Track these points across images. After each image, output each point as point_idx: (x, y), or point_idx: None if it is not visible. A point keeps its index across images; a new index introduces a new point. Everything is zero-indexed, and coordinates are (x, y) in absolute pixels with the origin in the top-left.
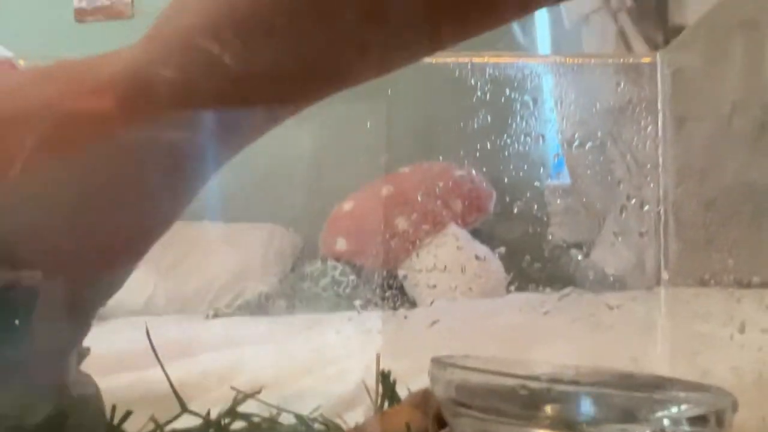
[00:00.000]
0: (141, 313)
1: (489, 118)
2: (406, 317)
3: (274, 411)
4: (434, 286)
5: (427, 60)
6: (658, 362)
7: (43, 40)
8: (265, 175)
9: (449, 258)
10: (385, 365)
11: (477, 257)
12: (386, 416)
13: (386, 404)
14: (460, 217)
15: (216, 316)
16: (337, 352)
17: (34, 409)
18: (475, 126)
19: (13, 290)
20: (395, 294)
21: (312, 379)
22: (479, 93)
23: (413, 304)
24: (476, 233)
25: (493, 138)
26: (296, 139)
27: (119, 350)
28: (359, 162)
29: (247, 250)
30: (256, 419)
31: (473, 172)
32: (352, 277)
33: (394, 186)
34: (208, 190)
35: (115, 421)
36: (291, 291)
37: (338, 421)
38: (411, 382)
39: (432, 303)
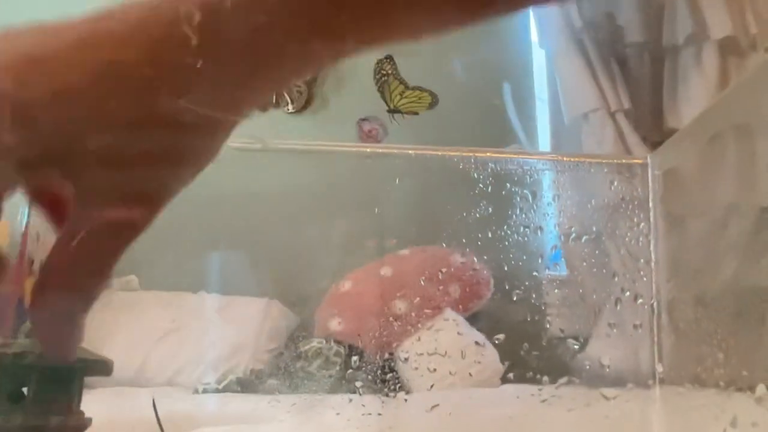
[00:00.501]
0: (130, 383)
1: (490, 209)
2: (406, 401)
3: None
4: (434, 370)
5: (433, 152)
6: None
7: None
8: (265, 250)
9: (449, 343)
10: None
11: (477, 343)
12: None
13: None
14: (458, 302)
15: (206, 391)
16: None
17: None
18: (477, 216)
19: None
20: (395, 377)
21: None
22: (481, 185)
23: (409, 390)
24: (473, 319)
25: (493, 228)
26: (298, 217)
27: (114, 420)
28: (360, 243)
29: (242, 324)
30: None
31: (473, 258)
32: (354, 358)
33: (393, 268)
34: (209, 261)
35: None
36: (284, 369)
37: None
38: None
39: (432, 387)
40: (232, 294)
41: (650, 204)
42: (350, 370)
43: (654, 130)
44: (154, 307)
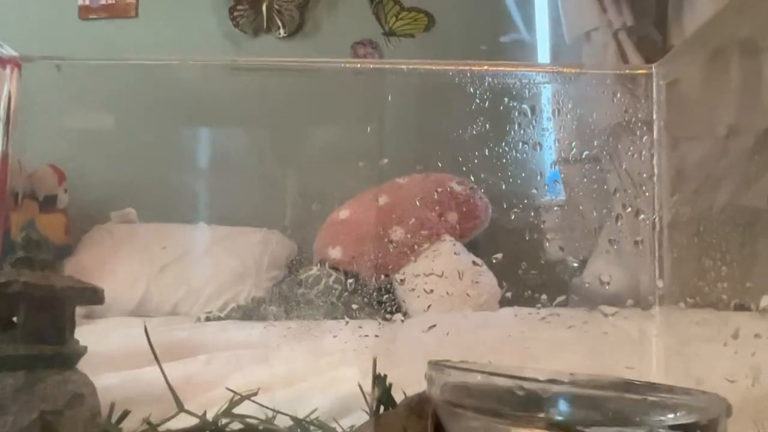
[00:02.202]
0: (133, 314)
1: (487, 126)
2: (403, 322)
3: (270, 413)
4: (431, 291)
5: (427, 66)
6: (652, 370)
7: (47, 37)
8: (262, 180)
9: (447, 264)
10: (382, 370)
11: (474, 263)
12: (382, 420)
13: (382, 408)
14: (456, 229)
15: (208, 319)
16: (333, 357)
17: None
18: (473, 133)
19: None
20: (391, 299)
21: (308, 383)
22: (477, 101)
23: (406, 312)
24: (471, 246)
25: (491, 146)
26: (294, 144)
27: (112, 349)
28: (356, 168)
29: (242, 254)
30: (252, 421)
31: (470, 183)
32: (349, 282)
33: (390, 196)
34: (206, 193)
35: (113, 419)
36: (285, 296)
37: (334, 424)
38: (408, 387)
39: (429, 308)
40: (230, 225)
41: (654, 116)
42: (346, 294)
43: (657, 49)
44: (154, 238)
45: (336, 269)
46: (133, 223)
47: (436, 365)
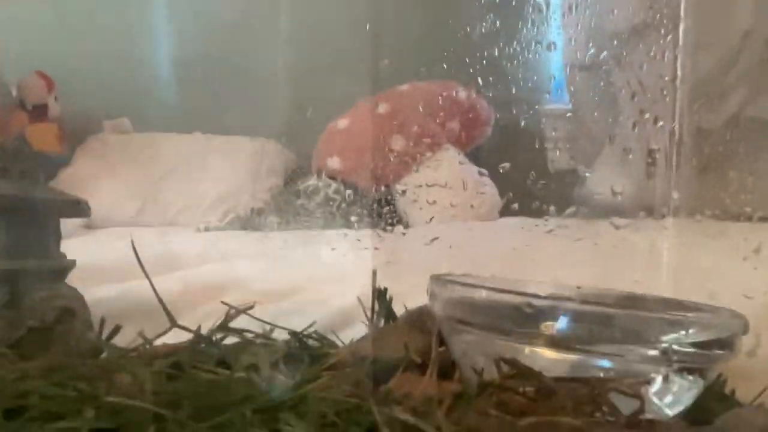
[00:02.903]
0: (132, 224)
1: (497, 24)
2: (404, 234)
3: (267, 327)
4: (434, 202)
5: None
6: (665, 284)
7: None
8: (257, 88)
9: (450, 174)
10: (382, 283)
11: (480, 173)
12: (382, 333)
13: (382, 322)
14: (459, 137)
15: (207, 230)
16: (332, 269)
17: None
18: (482, 31)
19: None
20: (392, 211)
21: (306, 295)
22: None
23: (407, 223)
24: (475, 155)
25: (500, 45)
26: (291, 48)
27: (105, 261)
28: (356, 73)
29: (239, 163)
30: (248, 335)
31: (474, 89)
32: (348, 193)
33: (391, 104)
34: (201, 100)
35: (104, 335)
36: (284, 207)
37: (332, 337)
38: (409, 301)
39: (431, 220)
40: (226, 134)
41: (682, 14)
42: (345, 205)
43: None
44: (149, 149)
45: (335, 179)
46: (128, 133)
47: (439, 279)
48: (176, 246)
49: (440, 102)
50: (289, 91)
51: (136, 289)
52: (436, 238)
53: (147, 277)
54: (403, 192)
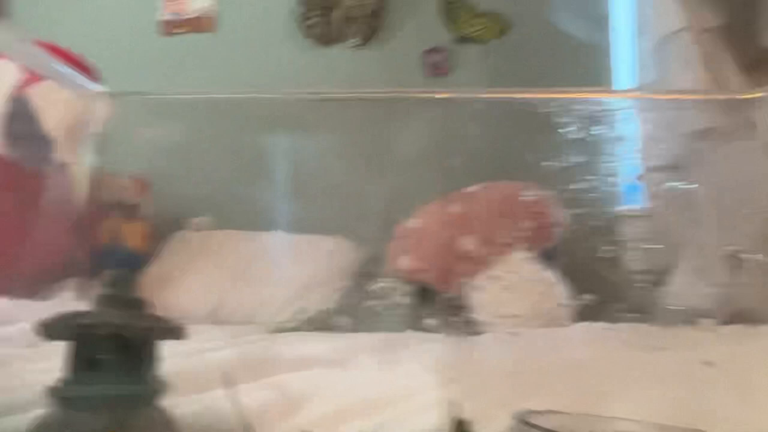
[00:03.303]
0: (208, 321)
1: (571, 151)
2: (476, 335)
3: None
4: (505, 305)
5: (506, 95)
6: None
7: (128, 51)
8: (334, 190)
9: (521, 277)
10: (457, 393)
11: (548, 279)
12: None
13: None
14: (529, 239)
15: (278, 330)
16: (405, 379)
17: None
18: (556, 159)
19: None
20: (462, 312)
21: (387, 413)
22: (560, 127)
23: (480, 327)
24: (545, 257)
25: (573, 170)
26: (370, 155)
27: (185, 368)
28: (428, 178)
29: (312, 262)
30: None
31: (544, 193)
32: (419, 293)
33: (462, 205)
34: (278, 201)
35: None
36: (355, 308)
37: None
38: (486, 412)
39: (502, 323)
40: (301, 232)
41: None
42: (419, 309)
43: (747, 49)
44: (228, 246)
45: (406, 280)
46: (209, 230)
47: (522, 420)
48: (251, 350)
49: (511, 203)
50: (362, 195)
51: (218, 403)
52: (511, 343)
53: (236, 404)
54: (473, 292)
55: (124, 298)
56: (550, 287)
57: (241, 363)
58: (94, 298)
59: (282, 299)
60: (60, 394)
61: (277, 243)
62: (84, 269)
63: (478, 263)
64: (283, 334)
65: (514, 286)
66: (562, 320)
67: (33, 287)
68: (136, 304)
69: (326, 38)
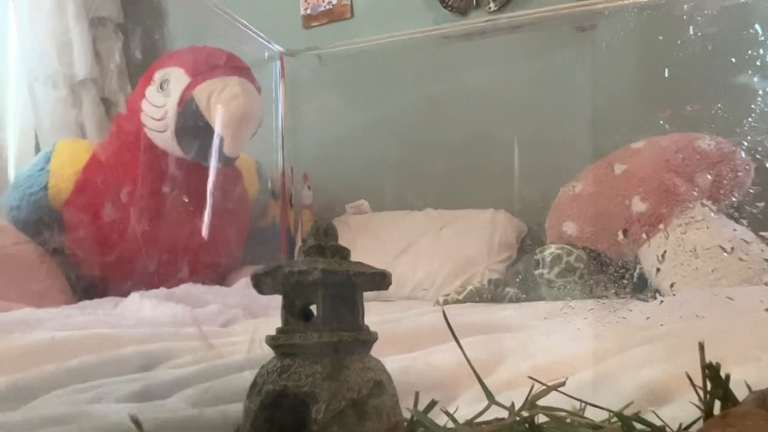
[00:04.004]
0: (373, 299)
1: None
2: (661, 302)
3: (578, 405)
4: (687, 268)
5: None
6: None
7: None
8: (485, 161)
9: (701, 236)
10: (646, 356)
11: (730, 241)
12: (732, 419)
13: (718, 404)
14: (710, 193)
15: (447, 303)
16: (593, 343)
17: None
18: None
19: None
20: (638, 276)
21: (587, 373)
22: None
23: (659, 292)
24: (731, 212)
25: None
26: (515, 120)
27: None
28: (583, 138)
29: (471, 236)
30: (560, 414)
31: (722, 140)
32: (594, 261)
33: (627, 163)
34: (429, 178)
35: (412, 407)
36: (522, 277)
37: (652, 418)
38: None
39: (685, 287)
40: (457, 208)
41: None
42: (593, 275)
43: None
44: (386, 227)
45: (574, 246)
46: (366, 213)
47: None
48: (423, 320)
49: (683, 155)
50: (516, 159)
51: (416, 362)
52: (694, 310)
53: (460, 348)
54: (650, 256)
55: (330, 247)
56: (741, 245)
57: (424, 329)
58: (301, 250)
59: (444, 273)
60: (276, 343)
61: (434, 220)
62: (256, 256)
63: (652, 224)
64: (450, 306)
65: (696, 247)
66: (755, 282)
67: (217, 275)
68: (343, 253)
69: (464, 6)
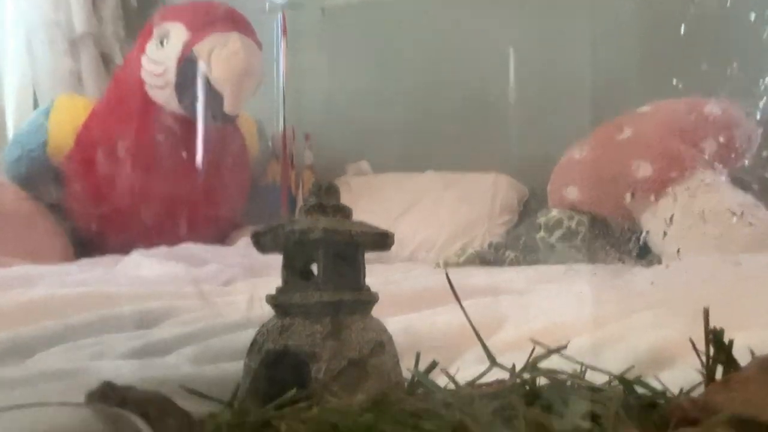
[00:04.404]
0: (373, 262)
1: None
2: (667, 267)
3: (578, 368)
4: (690, 234)
5: None
6: None
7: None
8: (487, 123)
9: (708, 202)
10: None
11: (740, 205)
12: (736, 384)
13: (719, 369)
14: (715, 158)
15: (446, 265)
16: (596, 308)
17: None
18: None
19: None
20: (640, 242)
21: (602, 332)
22: None
23: (660, 258)
24: (737, 178)
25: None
26: (518, 82)
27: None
28: (585, 101)
29: (472, 199)
30: (561, 376)
31: (731, 105)
32: (596, 226)
33: (633, 128)
34: (431, 140)
35: (410, 367)
36: (522, 241)
37: (653, 382)
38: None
39: (689, 254)
40: (458, 171)
41: None
42: (595, 240)
43: None
44: (388, 188)
45: (576, 211)
46: (367, 174)
47: None
48: (424, 282)
49: (690, 120)
50: (518, 123)
51: (417, 323)
52: (697, 276)
53: (462, 309)
54: (653, 222)
55: (332, 206)
56: (746, 211)
57: (425, 291)
58: (302, 209)
59: (445, 236)
60: (276, 302)
61: (436, 182)
62: (256, 216)
63: (656, 189)
64: (449, 269)
65: (701, 212)
66: (763, 245)
67: (217, 234)
68: (344, 213)
69: None
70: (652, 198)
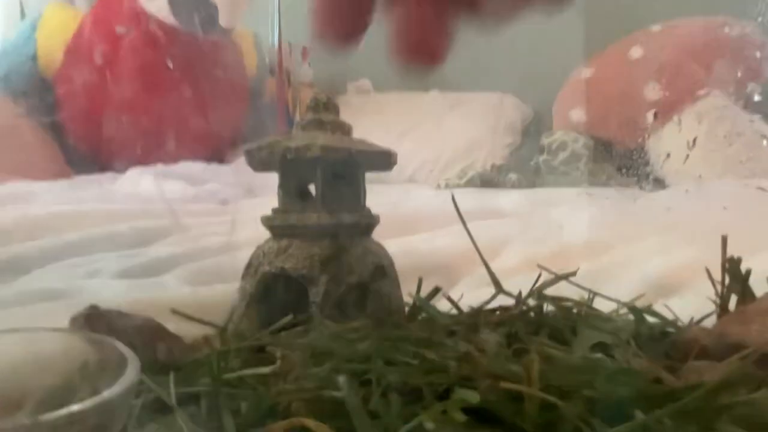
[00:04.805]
0: (373, 182)
1: None
2: (687, 192)
3: (586, 295)
4: (699, 158)
5: None
6: None
7: None
8: (493, 41)
9: (718, 125)
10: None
11: (753, 122)
12: (751, 315)
13: (733, 299)
14: (728, 82)
15: (447, 187)
16: (602, 232)
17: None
18: None
19: None
20: (647, 165)
21: (608, 257)
22: None
23: (666, 183)
24: (752, 100)
25: None
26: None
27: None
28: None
29: (476, 120)
30: (568, 304)
31: (747, 26)
32: (601, 149)
33: (644, 47)
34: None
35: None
36: (525, 163)
37: (662, 310)
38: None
39: (698, 178)
40: (462, 90)
41: None
42: (600, 163)
43: None
44: (389, 108)
45: (581, 133)
46: (369, 93)
47: None
48: (421, 202)
49: (704, 41)
50: (524, 42)
51: (415, 246)
52: (703, 200)
53: (468, 233)
54: (660, 145)
55: (330, 122)
56: (757, 135)
57: (426, 213)
58: (299, 125)
59: (447, 157)
60: (272, 224)
61: (439, 102)
62: (257, 136)
63: (665, 112)
64: (450, 190)
65: (711, 136)
66: None
67: (215, 152)
68: (344, 129)
69: None
70: (662, 120)
